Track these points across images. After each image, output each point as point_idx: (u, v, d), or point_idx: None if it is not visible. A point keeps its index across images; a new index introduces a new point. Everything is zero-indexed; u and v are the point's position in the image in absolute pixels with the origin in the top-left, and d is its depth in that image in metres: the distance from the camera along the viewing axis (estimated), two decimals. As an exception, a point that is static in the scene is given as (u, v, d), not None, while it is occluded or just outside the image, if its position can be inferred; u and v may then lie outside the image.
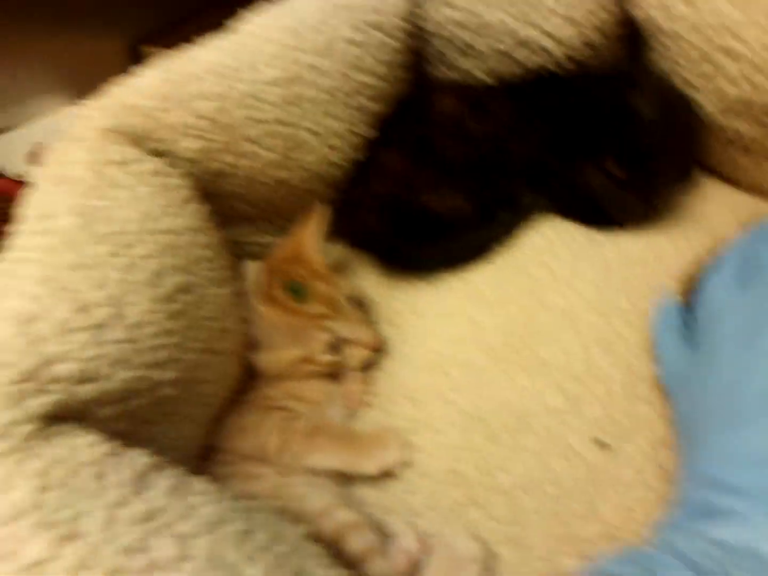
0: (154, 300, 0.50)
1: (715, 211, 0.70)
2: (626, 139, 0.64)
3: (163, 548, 0.38)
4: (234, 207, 0.68)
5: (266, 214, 0.72)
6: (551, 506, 0.54)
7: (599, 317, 0.62)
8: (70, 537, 0.37)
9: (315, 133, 0.65)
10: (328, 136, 0.66)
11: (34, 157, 1.04)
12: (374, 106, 0.68)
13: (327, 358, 0.64)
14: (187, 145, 0.60)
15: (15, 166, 1.03)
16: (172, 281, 0.52)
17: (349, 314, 0.65)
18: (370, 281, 0.73)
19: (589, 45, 0.68)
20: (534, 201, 0.70)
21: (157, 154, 0.60)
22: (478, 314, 0.65)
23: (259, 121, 0.62)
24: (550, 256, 0.67)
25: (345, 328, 0.64)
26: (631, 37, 0.70)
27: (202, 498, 0.42)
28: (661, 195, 0.67)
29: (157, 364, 0.49)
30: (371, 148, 0.71)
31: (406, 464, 0.60)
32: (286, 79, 0.61)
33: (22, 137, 1.08)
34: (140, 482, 0.42)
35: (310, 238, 0.67)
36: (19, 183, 0.98)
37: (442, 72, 0.74)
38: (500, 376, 0.61)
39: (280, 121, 0.62)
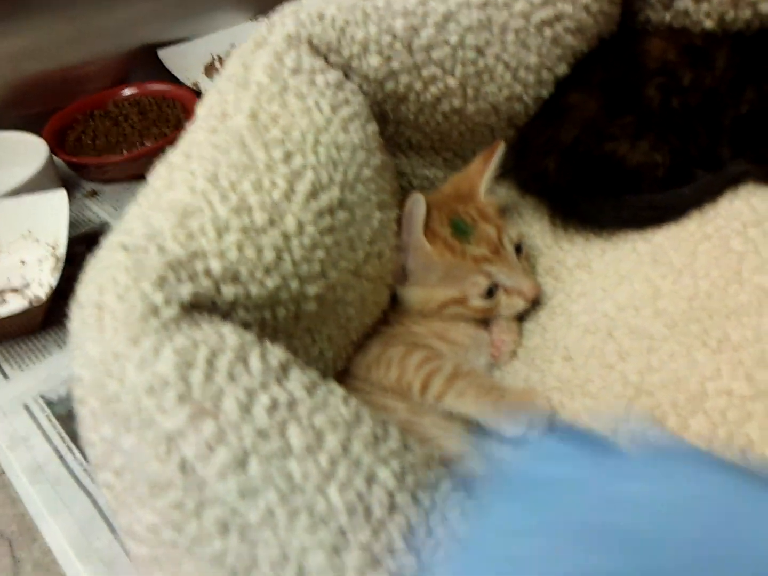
0: (311, 211, 0.49)
1: None
2: None
3: (298, 436, 0.37)
4: (404, 133, 0.67)
5: (436, 145, 0.69)
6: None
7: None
8: (209, 413, 0.37)
9: (503, 62, 0.61)
10: (516, 67, 0.62)
11: (210, 68, 1.08)
12: (572, 41, 0.63)
13: (480, 303, 0.60)
14: (372, 62, 0.59)
15: (191, 76, 1.07)
16: (330, 195, 0.50)
17: (511, 261, 0.61)
18: (537, 229, 0.69)
19: None
20: (742, 167, 0.62)
21: (339, 67, 0.59)
22: (660, 280, 0.58)
23: (447, 44, 0.59)
24: (757, 231, 0.59)
25: (504, 275, 0.60)
26: None
27: (338, 398, 0.40)
28: None
29: (305, 277, 0.48)
30: (562, 88, 0.66)
31: (552, 430, 0.55)
32: (482, 1, 0.57)
33: (200, 48, 1.12)
34: (281, 372, 0.41)
35: (482, 177, 0.64)
36: (193, 92, 1.02)
37: (657, 12, 0.67)
38: (676, 349, 0.54)
39: (468, 46, 0.59)
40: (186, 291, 0.41)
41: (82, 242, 0.81)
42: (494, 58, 0.60)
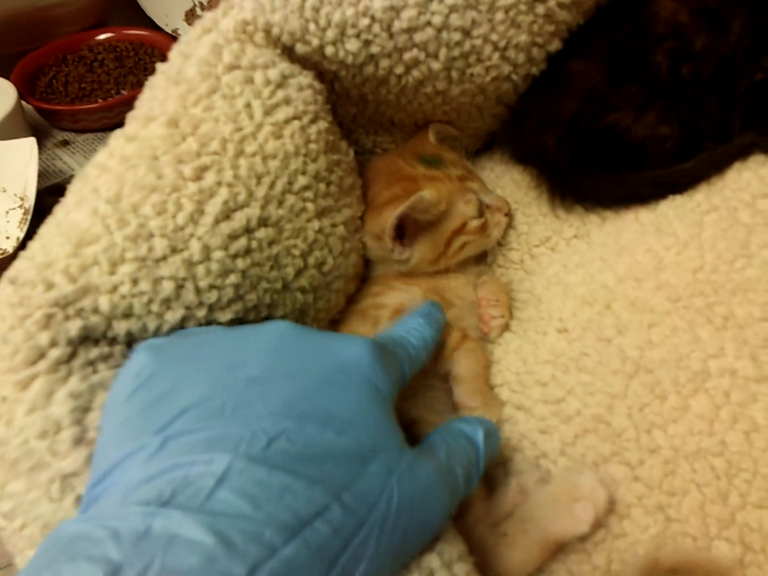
0: (221, 235, 0.45)
1: None
2: None
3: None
4: (386, 113, 0.63)
5: (420, 123, 0.66)
6: (715, 483, 0.45)
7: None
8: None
9: (491, 43, 0.57)
10: (504, 47, 0.58)
11: (190, 14, 1.03)
12: (567, 15, 0.58)
13: (477, 222, 0.60)
14: (350, 47, 0.54)
15: (171, 22, 1.02)
16: (247, 214, 0.46)
17: (481, 180, 0.64)
18: (532, 196, 0.66)
19: None
20: (752, 138, 0.58)
21: (303, 58, 0.54)
22: (663, 251, 0.55)
23: (430, 26, 0.54)
24: (767, 203, 0.55)
25: (482, 192, 0.62)
26: None
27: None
28: None
29: (214, 305, 0.45)
30: (561, 58, 0.61)
31: (545, 401, 0.53)
32: None
33: None
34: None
35: (427, 129, 0.66)
36: (173, 39, 0.97)
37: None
38: (678, 324, 0.51)
39: (453, 27, 0.55)
40: (74, 328, 0.39)
41: (53, 194, 0.75)
42: (482, 39, 0.56)
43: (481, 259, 0.66)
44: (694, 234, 0.56)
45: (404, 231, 0.59)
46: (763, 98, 0.58)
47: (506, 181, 0.68)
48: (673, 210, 0.58)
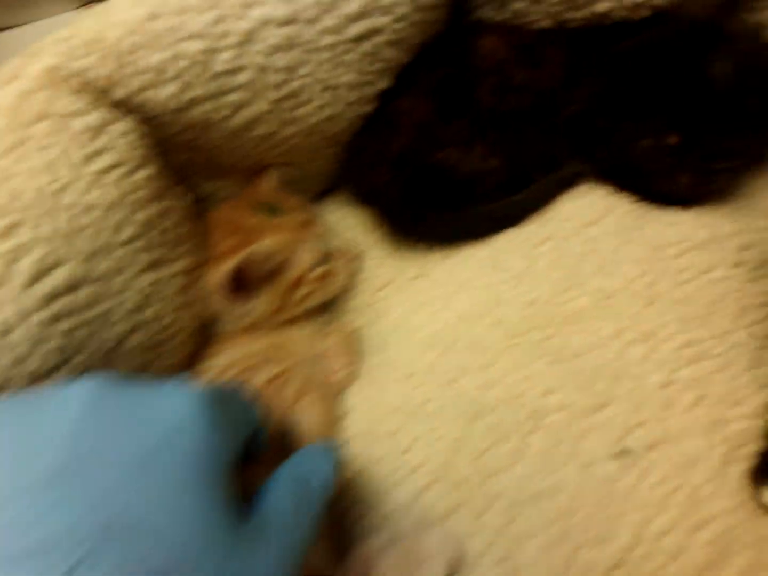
0: (35, 297, 0.41)
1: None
2: (689, 103, 0.53)
3: None
4: (217, 159, 0.60)
5: (255, 167, 0.63)
6: (556, 523, 0.44)
7: (644, 307, 0.51)
8: None
9: (319, 82, 0.56)
10: (334, 86, 0.56)
11: None
12: (393, 53, 0.57)
13: (320, 270, 0.58)
14: (168, 91, 0.51)
15: None
16: (67, 272, 0.43)
17: (323, 226, 0.62)
18: (375, 237, 0.65)
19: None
20: (579, 167, 0.59)
21: (118, 104, 0.51)
22: (500, 287, 0.55)
23: (252, 66, 0.53)
24: (596, 229, 0.56)
25: (326, 238, 0.60)
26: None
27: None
28: (723, 172, 0.55)
29: (34, 373, 0.41)
30: (390, 96, 0.61)
31: (394, 452, 0.51)
32: (286, 17, 0.52)
33: (18, 40, 1.01)
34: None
35: (261, 177, 0.63)
36: None
37: (487, 13, 0.63)
38: (516, 360, 0.51)
39: (276, 67, 0.53)
40: None
41: None
42: (308, 78, 0.55)
43: (329, 306, 0.64)
44: (528, 266, 0.56)
45: (244, 283, 0.57)
46: (582, 128, 0.59)
47: (351, 223, 0.67)
48: (508, 244, 0.58)
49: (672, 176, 0.55)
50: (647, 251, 0.54)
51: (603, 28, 0.59)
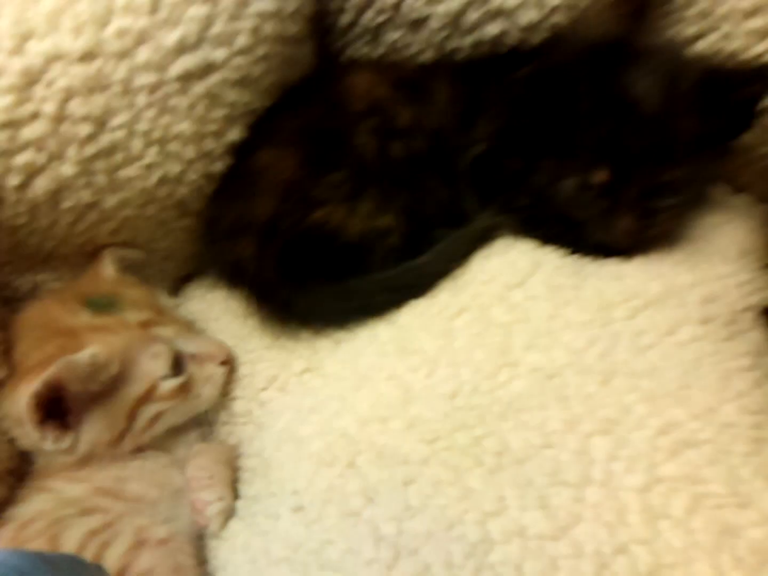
0: None
1: (744, 235, 0.47)
2: (614, 133, 0.43)
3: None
4: (32, 244, 0.47)
5: (89, 251, 0.50)
6: None
7: (599, 386, 0.39)
8: None
9: (139, 135, 0.43)
10: (161, 139, 0.44)
11: None
12: (240, 96, 0.46)
13: (172, 383, 0.44)
14: None
15: None
16: None
17: (180, 321, 0.49)
18: (249, 328, 0.51)
19: (576, 9, 0.48)
20: (493, 219, 0.48)
21: None
22: (410, 375, 0.43)
23: (43, 116, 0.41)
24: (522, 293, 0.45)
25: (183, 338, 0.47)
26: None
27: None
28: (667, 211, 0.44)
29: None
30: (246, 149, 0.49)
31: None
32: (82, 51, 0.40)
33: None
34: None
35: (101, 260, 0.50)
36: None
37: (363, 48, 0.53)
38: (441, 475, 0.38)
39: (76, 116, 0.41)
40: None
41: None
42: (124, 130, 0.42)
43: (197, 421, 0.49)
44: (445, 346, 0.43)
45: (62, 405, 0.41)
46: (490, 172, 0.48)
47: (219, 312, 0.53)
48: (415, 319, 0.46)
49: (607, 221, 0.45)
50: (591, 314, 0.43)
51: (496, 57, 0.50)
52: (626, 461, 0.36)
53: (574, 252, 0.47)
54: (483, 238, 0.48)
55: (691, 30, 0.47)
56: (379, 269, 0.47)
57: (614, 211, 0.44)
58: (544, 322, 0.43)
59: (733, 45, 0.46)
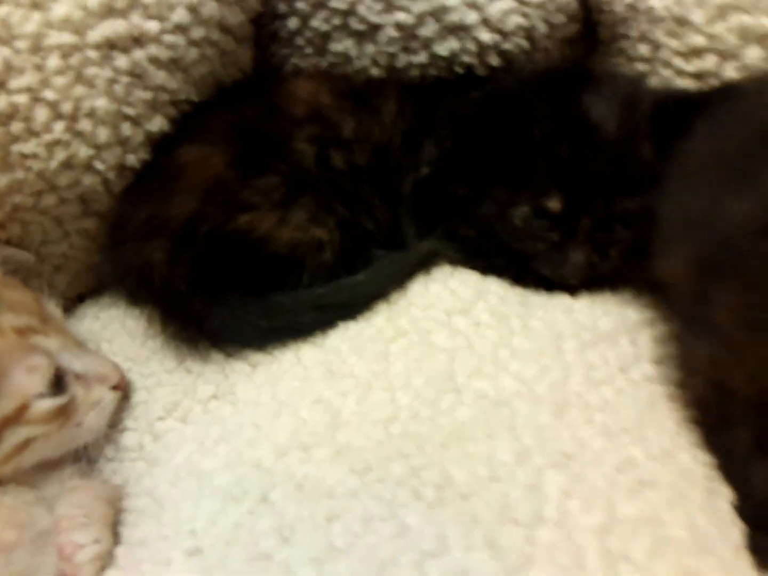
0: None
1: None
2: (569, 159, 0.41)
3: None
4: None
5: None
6: None
7: (552, 417, 0.36)
8: None
9: (46, 104, 0.38)
10: (72, 114, 0.39)
11: None
12: (168, 80, 0.42)
13: (50, 404, 0.38)
14: None
15: None
16: None
17: (69, 334, 0.42)
18: (149, 347, 0.45)
19: (530, 37, 0.47)
20: (432, 245, 0.45)
21: None
22: (339, 400, 0.38)
23: None
24: (466, 319, 0.41)
25: (69, 353, 0.40)
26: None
27: None
28: (616, 243, 0.42)
29: None
30: (169, 145, 0.45)
31: None
32: None
33: None
34: None
35: None
36: None
37: (308, 58, 0.50)
38: (373, 510, 0.32)
39: None
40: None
41: None
42: (27, 95, 0.37)
43: (76, 454, 0.42)
44: (379, 371, 0.39)
45: None
46: (436, 197, 0.45)
47: (115, 331, 0.46)
48: (347, 342, 0.41)
49: (558, 254, 0.42)
50: (540, 344, 0.39)
51: (449, 78, 0.48)
52: (582, 499, 0.32)
53: (518, 284, 0.44)
54: (423, 264, 0.45)
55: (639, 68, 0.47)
56: (308, 286, 0.42)
57: (566, 244, 0.42)
58: (489, 350, 0.39)
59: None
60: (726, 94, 0.40)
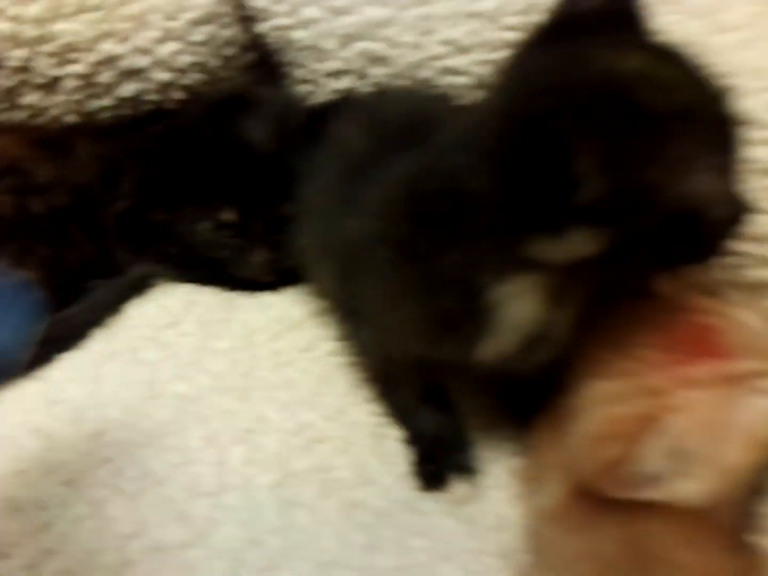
0: None
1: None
2: (235, 175, 0.48)
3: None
4: None
5: None
6: None
7: (238, 402, 0.42)
8: None
9: None
10: None
11: None
12: None
13: None
14: None
15: None
16: None
17: None
18: None
19: (206, 70, 0.53)
20: (144, 269, 0.50)
21: None
22: (54, 425, 0.41)
23: None
24: (173, 331, 0.46)
25: None
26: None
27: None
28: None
29: None
30: None
31: None
32: None
33: None
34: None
35: None
36: None
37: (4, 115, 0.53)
38: (81, 511, 0.37)
39: None
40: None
41: None
42: None
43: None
44: (92, 391, 0.43)
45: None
46: (138, 224, 0.50)
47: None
48: (65, 371, 0.45)
49: (243, 257, 0.49)
50: (234, 342, 0.46)
51: (139, 116, 0.53)
52: (261, 464, 0.39)
53: (227, 290, 0.50)
54: (137, 287, 0.49)
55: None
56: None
57: (247, 247, 0.49)
58: (190, 355, 0.45)
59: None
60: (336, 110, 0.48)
